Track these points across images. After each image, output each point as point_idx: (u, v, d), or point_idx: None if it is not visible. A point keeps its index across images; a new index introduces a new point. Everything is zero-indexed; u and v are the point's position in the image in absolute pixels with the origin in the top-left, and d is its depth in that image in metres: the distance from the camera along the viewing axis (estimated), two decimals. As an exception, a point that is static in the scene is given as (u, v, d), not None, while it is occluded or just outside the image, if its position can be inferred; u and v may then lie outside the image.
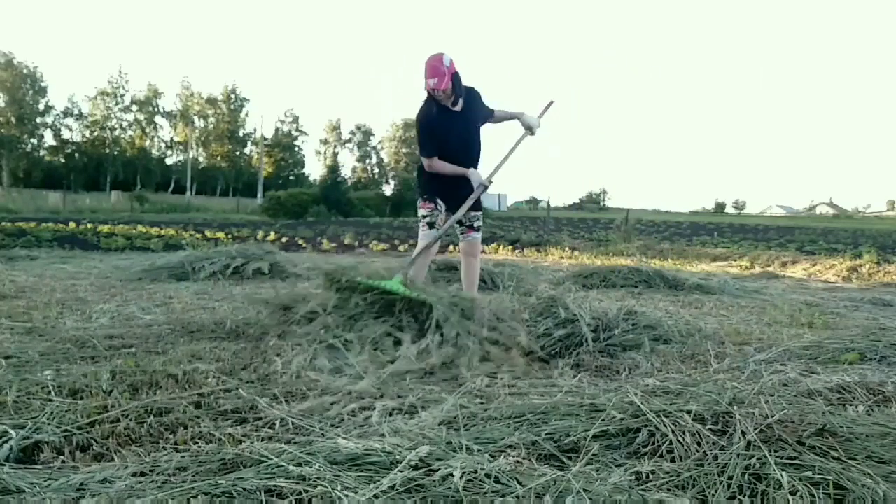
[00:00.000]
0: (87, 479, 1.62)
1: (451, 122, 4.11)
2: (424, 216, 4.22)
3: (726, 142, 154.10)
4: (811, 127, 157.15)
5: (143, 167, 55.47)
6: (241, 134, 61.95)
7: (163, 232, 15.05)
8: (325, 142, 69.87)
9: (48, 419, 2.09)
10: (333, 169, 38.68)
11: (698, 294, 6.08)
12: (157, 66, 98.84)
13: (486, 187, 4.08)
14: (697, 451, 1.73)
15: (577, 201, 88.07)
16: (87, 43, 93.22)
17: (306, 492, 1.48)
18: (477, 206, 4.33)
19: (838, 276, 8.89)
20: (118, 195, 39.02)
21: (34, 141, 52.38)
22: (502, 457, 1.70)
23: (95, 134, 55.26)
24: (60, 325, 3.77)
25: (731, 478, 1.58)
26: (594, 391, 2.43)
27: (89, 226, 16.22)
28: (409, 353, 2.94)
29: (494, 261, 9.56)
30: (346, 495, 1.45)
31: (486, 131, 4.42)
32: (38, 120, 51.68)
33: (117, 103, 55.93)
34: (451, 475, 1.52)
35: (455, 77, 4.02)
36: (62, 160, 54.48)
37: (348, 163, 70.57)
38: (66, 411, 2.18)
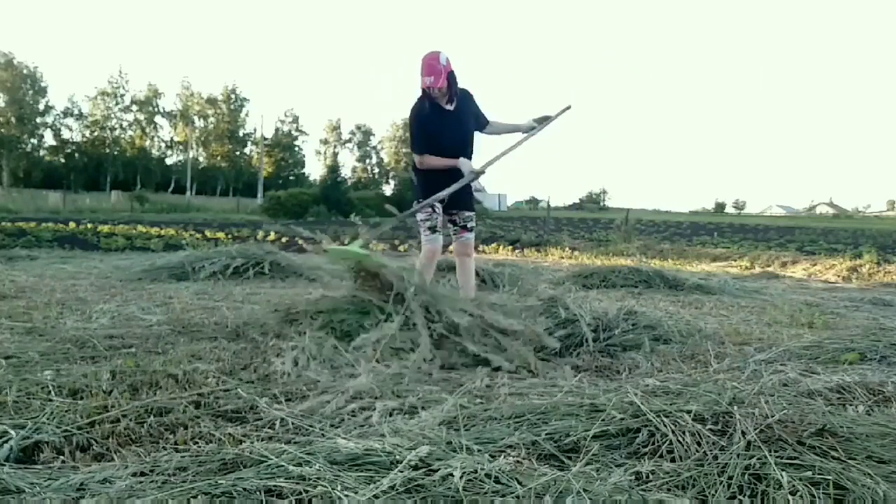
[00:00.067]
0: (87, 479, 1.62)
1: (444, 121, 4.12)
2: (425, 220, 4.22)
3: (726, 142, 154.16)
4: (811, 127, 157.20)
5: (143, 167, 55.44)
6: (241, 134, 61.94)
7: (163, 232, 15.05)
8: (325, 142, 69.89)
9: (48, 419, 2.09)
10: (333, 169, 38.71)
11: (698, 294, 6.09)
12: (157, 66, 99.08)
13: (476, 175, 4.07)
14: (697, 451, 1.73)
15: (577, 201, 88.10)
16: (87, 43, 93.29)
17: (306, 492, 1.48)
18: (470, 207, 4.35)
19: (838, 276, 8.89)
20: (118, 195, 39.03)
21: (34, 141, 52.38)
22: (502, 457, 1.69)
23: (95, 134, 55.25)
24: (60, 325, 3.77)
25: (731, 478, 1.58)
26: (594, 391, 2.43)
27: (89, 226, 16.22)
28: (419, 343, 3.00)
29: (494, 261, 9.56)
30: (346, 495, 1.45)
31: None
32: (38, 120, 51.66)
33: (117, 103, 55.93)
34: (451, 475, 1.52)
35: (451, 76, 4.03)
36: (62, 160, 54.47)
37: (348, 163, 70.63)
38: (66, 411, 2.18)
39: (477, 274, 5.31)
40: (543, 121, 4.27)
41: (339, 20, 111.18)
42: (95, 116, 55.06)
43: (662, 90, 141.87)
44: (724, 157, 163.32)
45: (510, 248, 13.88)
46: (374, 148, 72.60)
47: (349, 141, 71.28)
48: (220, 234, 14.90)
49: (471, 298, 3.86)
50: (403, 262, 3.68)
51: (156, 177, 56.02)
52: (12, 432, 1.93)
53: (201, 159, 61.48)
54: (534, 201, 74.39)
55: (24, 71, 49.75)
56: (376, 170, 72.39)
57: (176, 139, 59.61)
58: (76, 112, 54.53)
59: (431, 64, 3.96)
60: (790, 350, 3.24)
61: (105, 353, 3.11)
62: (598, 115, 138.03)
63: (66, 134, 54.86)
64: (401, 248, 13.30)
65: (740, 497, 1.53)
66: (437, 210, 4.21)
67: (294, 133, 66.41)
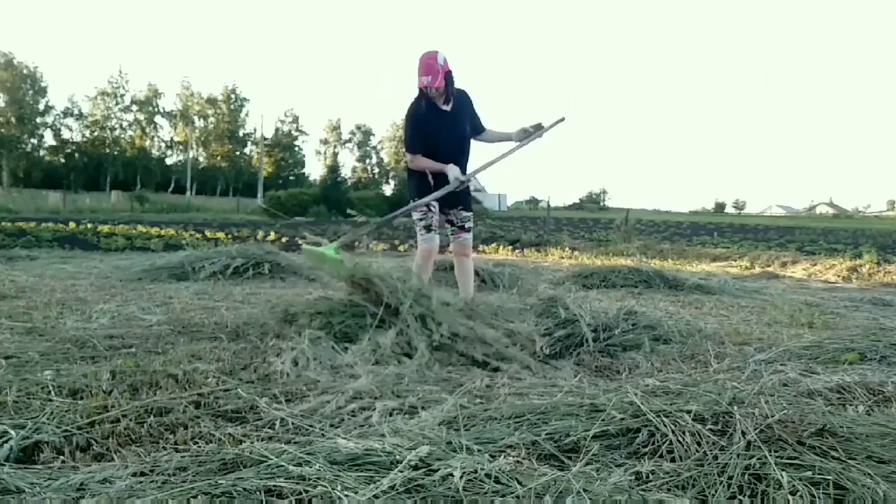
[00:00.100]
0: (87, 479, 1.62)
1: (440, 121, 4.12)
2: (420, 219, 4.22)
3: (726, 142, 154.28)
4: (811, 127, 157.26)
5: (143, 167, 55.46)
6: (241, 134, 61.98)
7: (163, 232, 15.05)
8: (325, 142, 69.92)
9: (48, 419, 2.08)
10: (333, 169, 38.78)
11: (698, 294, 6.08)
12: (157, 66, 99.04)
13: (461, 183, 4.07)
14: (697, 451, 1.73)
15: (577, 201, 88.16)
16: (87, 43, 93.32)
17: (306, 492, 1.47)
18: (468, 207, 4.35)
19: (838, 276, 8.89)
20: (118, 195, 39.02)
21: (34, 141, 52.42)
22: (502, 457, 1.69)
23: (95, 134, 55.30)
24: (60, 325, 3.77)
25: (731, 478, 1.58)
26: (594, 391, 2.43)
27: (89, 226, 16.21)
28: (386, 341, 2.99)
29: (494, 261, 9.56)
30: (346, 495, 1.45)
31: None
32: (38, 120, 51.70)
33: (117, 103, 55.99)
34: (451, 475, 1.52)
35: (448, 76, 4.03)
36: (62, 160, 54.50)
37: (348, 163, 70.71)
38: (66, 411, 2.18)
39: (477, 274, 5.32)
40: (537, 129, 4.26)
41: (339, 20, 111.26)
42: (95, 116, 55.11)
43: (662, 90, 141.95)
44: (724, 157, 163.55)
45: (510, 248, 13.89)
46: (374, 148, 72.69)
47: (349, 141, 71.35)
48: (220, 234, 14.90)
49: (469, 298, 3.86)
50: (398, 266, 3.65)
51: (156, 177, 56.05)
52: (12, 432, 1.93)
53: (201, 159, 61.52)
54: (534, 201, 74.41)
55: (24, 71, 49.80)
56: (376, 170, 72.44)
57: (176, 139, 59.67)
58: (76, 112, 54.69)
59: (429, 63, 3.96)
60: (790, 350, 3.24)
61: (105, 353, 3.11)
62: (598, 115, 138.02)
63: (66, 134, 55.02)
64: (401, 248, 13.30)
65: (740, 497, 1.53)
66: (433, 209, 4.21)
67: (294, 133, 66.46)
